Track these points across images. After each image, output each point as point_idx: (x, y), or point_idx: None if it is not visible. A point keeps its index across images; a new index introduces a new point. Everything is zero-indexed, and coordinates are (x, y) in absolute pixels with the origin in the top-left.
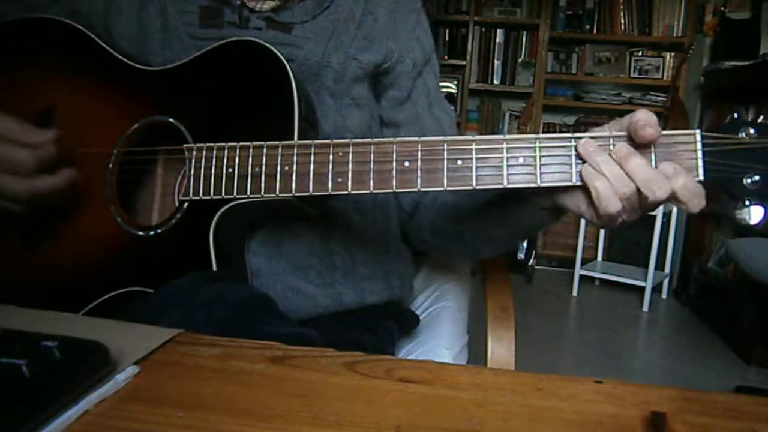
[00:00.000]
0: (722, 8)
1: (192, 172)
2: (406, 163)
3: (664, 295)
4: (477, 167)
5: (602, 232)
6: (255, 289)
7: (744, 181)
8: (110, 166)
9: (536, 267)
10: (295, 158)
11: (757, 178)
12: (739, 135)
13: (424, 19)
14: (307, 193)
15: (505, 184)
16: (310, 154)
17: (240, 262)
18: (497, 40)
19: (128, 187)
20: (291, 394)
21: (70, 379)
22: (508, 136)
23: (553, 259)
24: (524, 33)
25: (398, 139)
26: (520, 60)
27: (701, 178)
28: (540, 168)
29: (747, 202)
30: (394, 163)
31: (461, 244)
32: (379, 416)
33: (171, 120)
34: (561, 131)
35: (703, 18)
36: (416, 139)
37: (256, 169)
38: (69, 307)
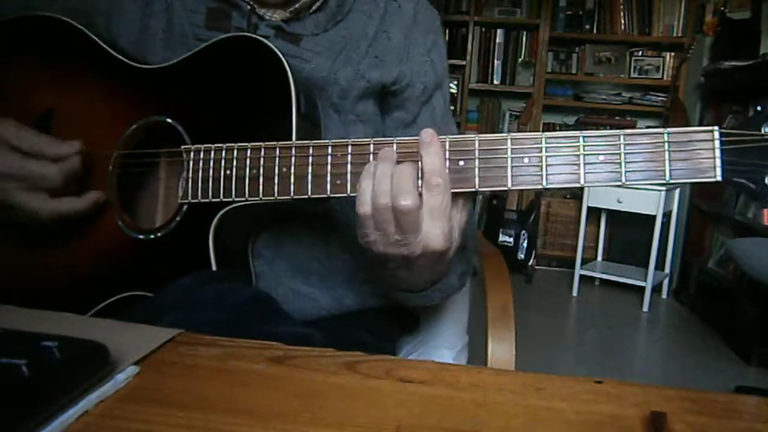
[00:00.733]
0: (722, 8)
1: (190, 174)
2: None
3: (664, 295)
4: (480, 168)
5: (602, 232)
6: (258, 289)
7: (766, 181)
8: (110, 168)
9: (536, 267)
10: (293, 160)
11: None
12: (762, 131)
13: (441, 40)
14: (306, 196)
15: (510, 185)
16: (308, 155)
17: (243, 264)
18: (497, 40)
19: (130, 189)
20: (291, 394)
21: (70, 379)
22: (511, 135)
23: (553, 259)
24: (524, 33)
25: (398, 139)
26: (520, 60)
27: (719, 178)
28: (546, 169)
29: None
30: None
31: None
32: (379, 416)
33: (169, 120)
34: (561, 131)
35: (703, 18)
36: (416, 139)
37: (254, 171)
38: (71, 312)
